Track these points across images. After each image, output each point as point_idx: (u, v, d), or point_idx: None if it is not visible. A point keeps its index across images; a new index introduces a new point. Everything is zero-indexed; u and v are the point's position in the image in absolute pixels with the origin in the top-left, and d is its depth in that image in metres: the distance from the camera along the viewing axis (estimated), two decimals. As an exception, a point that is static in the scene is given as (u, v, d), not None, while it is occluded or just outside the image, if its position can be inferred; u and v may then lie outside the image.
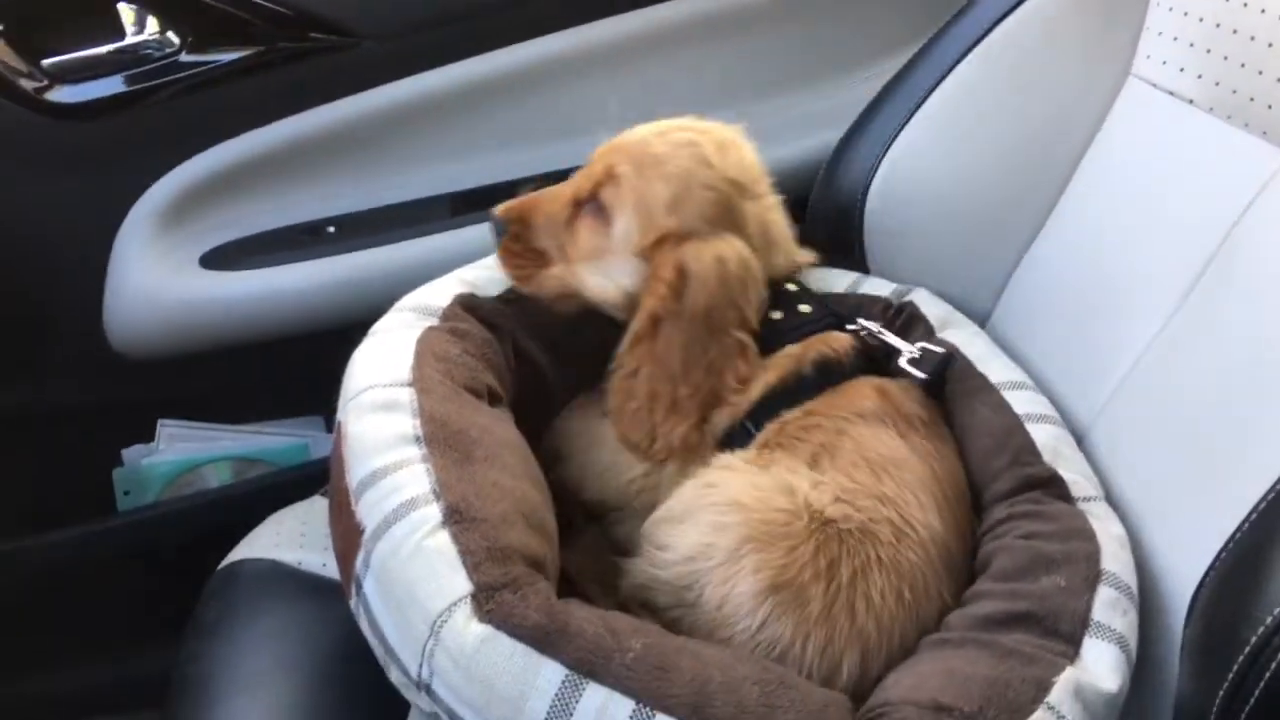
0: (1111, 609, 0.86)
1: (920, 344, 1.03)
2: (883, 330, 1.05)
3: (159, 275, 1.26)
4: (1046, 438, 1.00)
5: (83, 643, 1.35)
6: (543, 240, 1.05)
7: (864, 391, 1.00)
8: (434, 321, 0.99)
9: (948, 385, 1.05)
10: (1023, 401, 1.04)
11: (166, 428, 1.35)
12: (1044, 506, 0.95)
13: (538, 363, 1.09)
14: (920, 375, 1.00)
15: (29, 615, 1.32)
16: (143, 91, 1.24)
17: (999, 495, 0.98)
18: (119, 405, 1.34)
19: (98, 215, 1.26)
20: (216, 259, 1.30)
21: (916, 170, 1.23)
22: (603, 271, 1.02)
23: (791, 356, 1.00)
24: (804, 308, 1.04)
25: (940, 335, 1.11)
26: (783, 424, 0.98)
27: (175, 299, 1.27)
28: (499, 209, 1.05)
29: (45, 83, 1.22)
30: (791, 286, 1.06)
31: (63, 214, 1.25)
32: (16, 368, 1.28)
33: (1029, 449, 0.99)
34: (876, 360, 1.04)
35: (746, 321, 0.99)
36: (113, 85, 1.24)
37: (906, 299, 1.15)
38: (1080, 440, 1.05)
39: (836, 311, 1.06)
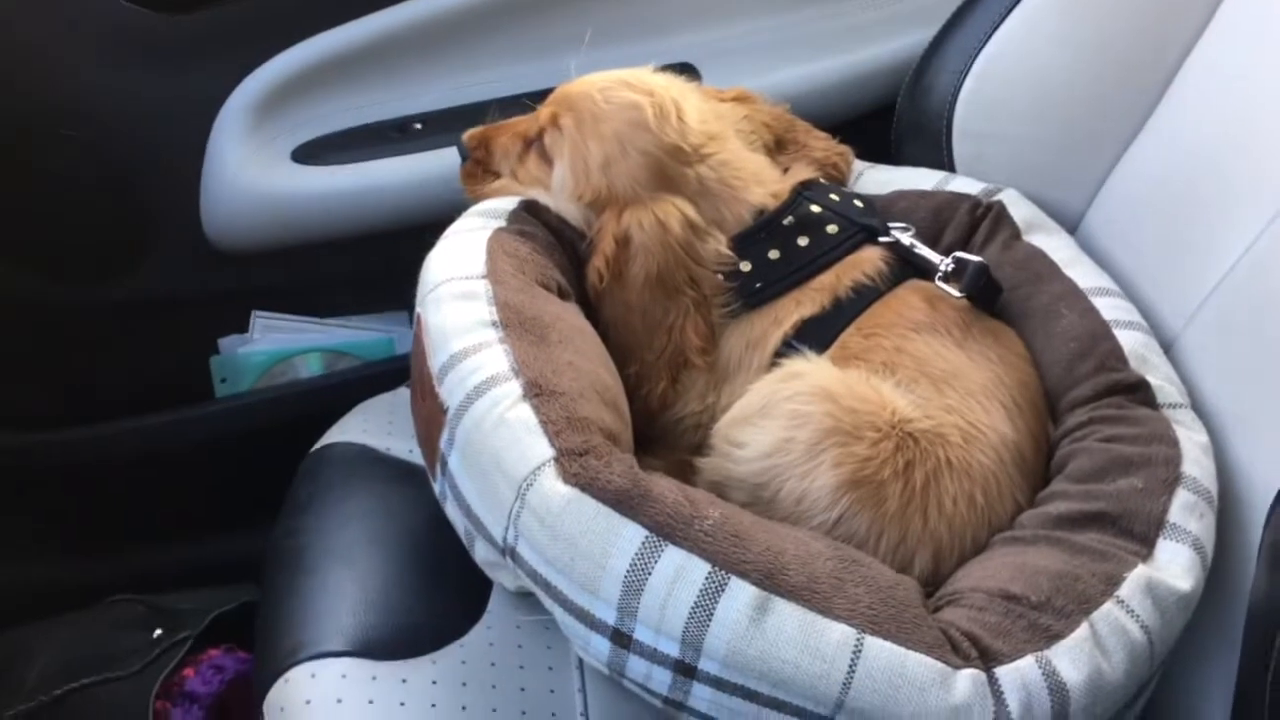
0: (1188, 512, 0.85)
1: (954, 254, 1.02)
2: (915, 242, 1.04)
3: (252, 169, 1.28)
4: (1134, 344, 0.99)
5: (182, 520, 1.41)
6: (499, 166, 1.10)
7: (912, 302, 0.99)
8: (502, 224, 1.01)
9: (1023, 289, 1.04)
10: (1109, 307, 1.03)
11: (260, 319, 1.38)
12: (1126, 411, 0.94)
13: None
14: (956, 294, 0.99)
15: (132, 493, 1.38)
16: (235, -16, 1.25)
17: (1081, 400, 0.97)
18: (216, 296, 1.37)
19: (194, 109, 1.27)
20: (307, 154, 1.31)
21: (1010, 72, 1.21)
22: (548, 200, 1.05)
23: (824, 289, 1.00)
24: (831, 228, 1.03)
25: (1026, 238, 1.10)
26: (842, 344, 0.98)
27: (267, 193, 1.29)
28: (465, 135, 1.11)
29: (142, -26, 1.24)
30: (815, 208, 1.04)
31: (160, 108, 1.27)
32: (120, 259, 1.32)
33: (1116, 355, 0.98)
34: (917, 266, 1.03)
35: (698, 279, 0.99)
36: (206, -23, 1.25)
37: (995, 198, 1.13)
38: (1168, 348, 1.03)
39: (866, 224, 1.04)
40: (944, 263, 1.01)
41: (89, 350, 1.35)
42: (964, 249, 1.11)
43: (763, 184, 1.04)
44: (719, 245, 1.00)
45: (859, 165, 1.21)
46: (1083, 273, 1.06)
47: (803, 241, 1.02)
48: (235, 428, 1.37)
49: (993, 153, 1.21)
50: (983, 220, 1.12)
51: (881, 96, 1.39)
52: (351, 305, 1.43)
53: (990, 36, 1.21)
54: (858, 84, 1.42)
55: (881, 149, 1.29)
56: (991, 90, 1.21)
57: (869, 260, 1.02)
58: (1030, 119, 1.20)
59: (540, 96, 1.10)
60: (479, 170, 1.11)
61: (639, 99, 1.01)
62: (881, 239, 1.04)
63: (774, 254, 1.01)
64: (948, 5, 1.28)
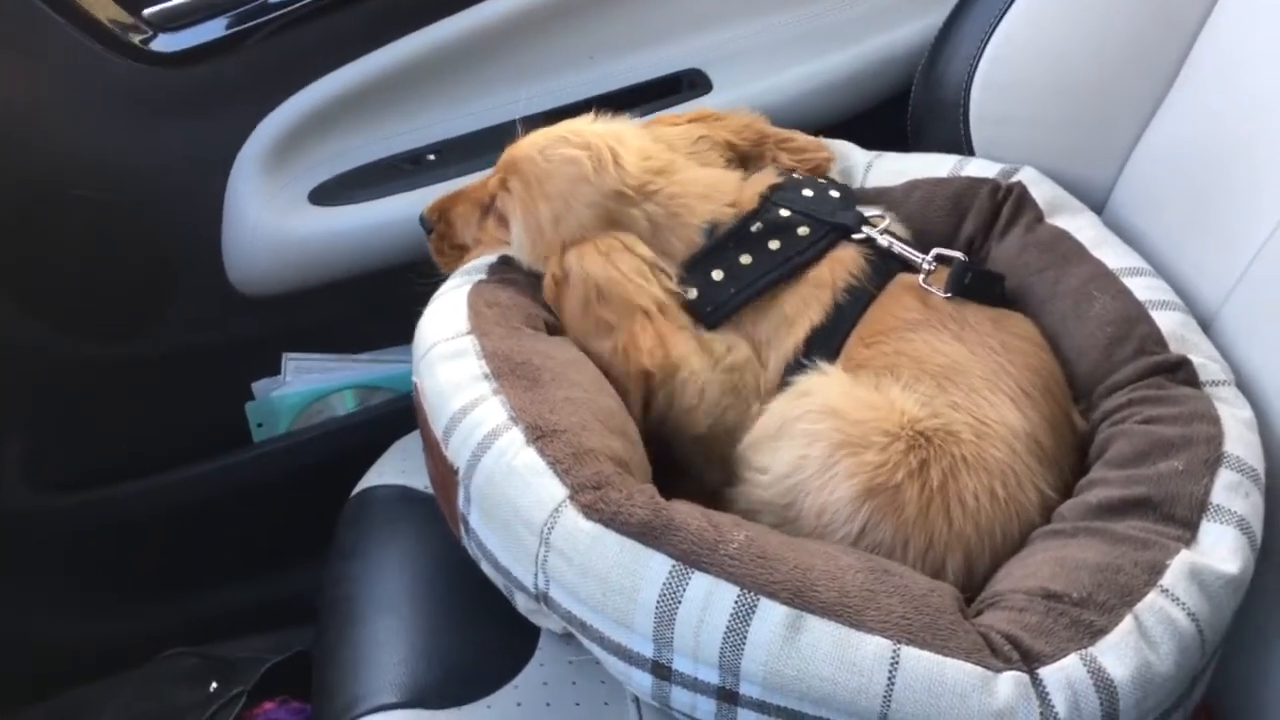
0: (1232, 491, 0.83)
1: (935, 251, 1.01)
2: (893, 240, 1.02)
3: (271, 214, 1.29)
4: (1172, 325, 0.97)
5: (229, 565, 1.43)
6: (462, 236, 1.12)
7: (905, 301, 0.98)
8: (482, 277, 1.04)
9: (1049, 272, 1.02)
10: (1143, 288, 1.00)
11: (292, 360, 1.39)
12: (1167, 391, 0.92)
13: None
14: (941, 294, 0.98)
15: (178, 544, 1.40)
16: (238, 35, 1.25)
17: (1121, 383, 0.95)
18: (246, 341, 1.38)
19: (210, 159, 1.29)
20: (324, 194, 1.32)
21: (1024, 52, 1.19)
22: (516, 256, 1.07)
23: (823, 285, 0.99)
24: (802, 230, 1.02)
25: (1050, 220, 1.08)
26: (847, 355, 0.97)
27: (288, 236, 1.30)
28: (425, 209, 1.14)
29: (149, 33, 1.25)
30: (785, 212, 1.03)
31: (178, 160, 1.28)
32: (147, 312, 1.34)
33: (1154, 337, 0.96)
34: (900, 259, 1.02)
35: (648, 297, 0.98)
36: (210, 30, 1.25)
37: (1014, 179, 1.11)
38: (1207, 325, 1.00)
39: (839, 223, 1.02)
40: (925, 261, 1.00)
41: (124, 405, 1.36)
42: (986, 236, 1.10)
43: (712, 199, 1.04)
44: (668, 283, 1.00)
45: (869, 155, 1.19)
46: (1112, 253, 1.04)
47: (774, 245, 1.01)
48: (275, 471, 1.38)
49: (1013, 135, 1.19)
50: (1004, 204, 1.10)
51: (895, 85, 1.38)
52: (381, 339, 1.43)
53: (1001, 18, 1.19)
54: (870, 74, 1.40)
55: (898, 135, 1.27)
56: (1006, 72, 1.19)
57: (851, 259, 1.01)
58: (1048, 99, 1.18)
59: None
60: (444, 246, 1.13)
61: (576, 154, 1.02)
62: (855, 236, 1.02)
63: (745, 259, 1.01)
64: (954, -11, 1.26)
